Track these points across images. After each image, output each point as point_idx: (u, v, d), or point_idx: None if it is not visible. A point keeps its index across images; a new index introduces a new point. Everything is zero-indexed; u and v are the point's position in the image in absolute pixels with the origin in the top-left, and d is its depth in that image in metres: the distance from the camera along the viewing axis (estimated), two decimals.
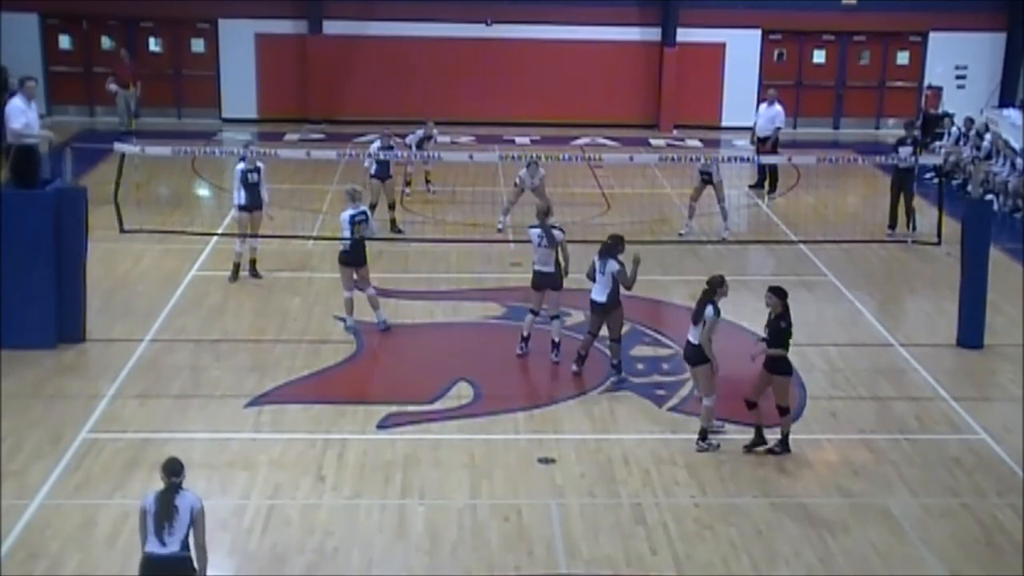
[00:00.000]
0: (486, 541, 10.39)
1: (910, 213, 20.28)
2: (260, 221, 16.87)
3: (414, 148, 20.80)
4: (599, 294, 13.50)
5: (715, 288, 11.98)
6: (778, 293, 11.88)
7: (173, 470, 8.38)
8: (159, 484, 11.02)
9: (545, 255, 14.19)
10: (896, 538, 10.60)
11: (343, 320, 15.22)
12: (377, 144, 18.90)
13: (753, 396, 12.00)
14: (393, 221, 19.36)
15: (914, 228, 20.17)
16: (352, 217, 14.81)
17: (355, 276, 15.04)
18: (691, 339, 12.03)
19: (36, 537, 10.23)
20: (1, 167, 16.40)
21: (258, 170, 16.68)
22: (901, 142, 20.68)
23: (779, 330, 11.71)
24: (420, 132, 21.33)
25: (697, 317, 11.95)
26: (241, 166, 16.69)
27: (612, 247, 13.54)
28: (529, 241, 14.49)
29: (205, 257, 17.98)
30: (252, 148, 17.01)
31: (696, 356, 11.99)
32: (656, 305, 16.24)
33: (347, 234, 14.86)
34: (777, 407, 12.04)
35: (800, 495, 11.33)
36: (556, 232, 14.28)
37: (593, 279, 13.54)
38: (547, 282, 14.23)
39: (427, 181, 21.97)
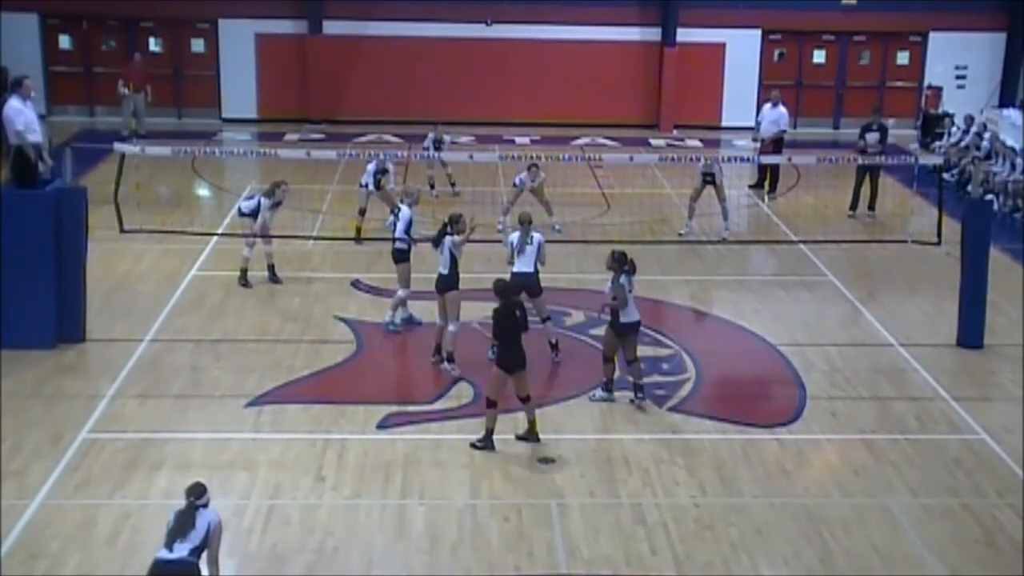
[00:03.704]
0: (486, 541, 10.39)
1: (874, 196, 21.28)
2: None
3: (432, 150, 20.83)
4: (637, 313, 13.15)
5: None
6: (501, 293, 12.06)
7: (196, 492, 8.46)
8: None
9: (527, 257, 14.17)
10: (896, 538, 10.60)
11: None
12: (373, 166, 18.79)
13: (494, 394, 12.04)
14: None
15: (872, 209, 21.31)
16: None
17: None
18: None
19: (36, 537, 10.23)
20: (1, 167, 16.37)
21: (274, 206, 16.74)
22: (867, 127, 21.55)
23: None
24: (431, 136, 21.32)
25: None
26: (267, 202, 16.60)
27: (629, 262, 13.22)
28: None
29: (205, 257, 17.98)
30: (284, 188, 16.84)
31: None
32: (656, 305, 16.24)
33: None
34: (518, 397, 12.10)
35: (800, 495, 11.33)
36: (535, 235, 14.28)
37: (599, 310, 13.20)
38: (527, 286, 14.18)
39: (431, 185, 21.95)
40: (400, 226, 15.02)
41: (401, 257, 15.11)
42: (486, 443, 12.00)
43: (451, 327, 13.85)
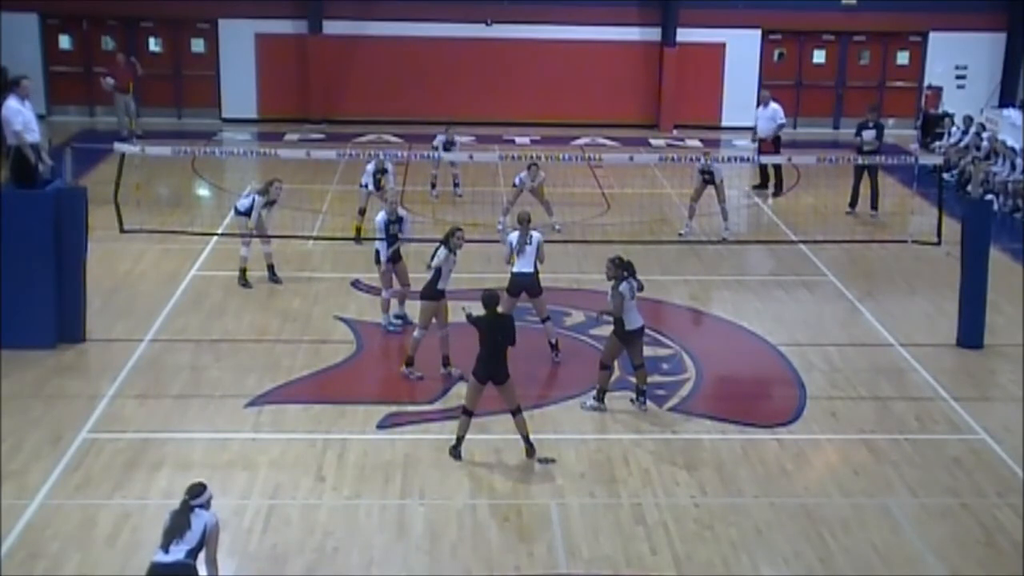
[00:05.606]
0: (486, 541, 10.39)
1: (876, 195, 21.31)
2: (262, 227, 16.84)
3: (440, 150, 20.82)
4: (641, 318, 12.98)
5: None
6: (485, 303, 11.86)
7: (193, 492, 8.43)
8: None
9: (527, 257, 14.15)
10: (896, 538, 10.60)
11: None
12: (372, 166, 18.79)
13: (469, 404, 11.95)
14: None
15: (875, 208, 21.29)
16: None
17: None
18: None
19: (36, 537, 10.23)
20: (1, 167, 16.38)
21: (268, 204, 16.74)
22: (864, 125, 21.74)
23: None
24: (443, 137, 21.22)
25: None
26: (260, 200, 16.59)
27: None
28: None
29: (205, 257, 17.98)
30: (277, 186, 16.81)
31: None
32: (656, 305, 16.23)
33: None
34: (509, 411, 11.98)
35: (800, 495, 11.33)
36: (534, 234, 14.26)
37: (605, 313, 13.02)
38: (526, 286, 14.16)
39: (432, 185, 21.94)
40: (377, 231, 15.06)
41: (377, 260, 15.11)
42: (455, 451, 11.86)
43: (415, 333, 13.80)
